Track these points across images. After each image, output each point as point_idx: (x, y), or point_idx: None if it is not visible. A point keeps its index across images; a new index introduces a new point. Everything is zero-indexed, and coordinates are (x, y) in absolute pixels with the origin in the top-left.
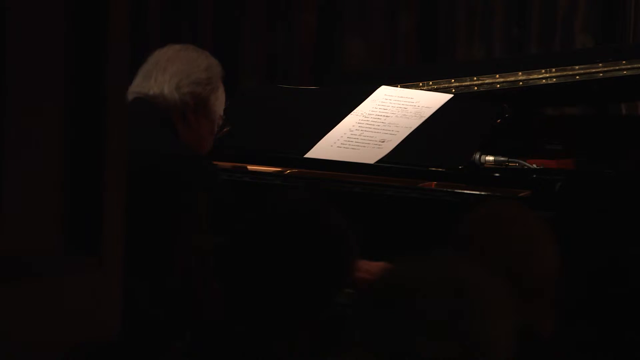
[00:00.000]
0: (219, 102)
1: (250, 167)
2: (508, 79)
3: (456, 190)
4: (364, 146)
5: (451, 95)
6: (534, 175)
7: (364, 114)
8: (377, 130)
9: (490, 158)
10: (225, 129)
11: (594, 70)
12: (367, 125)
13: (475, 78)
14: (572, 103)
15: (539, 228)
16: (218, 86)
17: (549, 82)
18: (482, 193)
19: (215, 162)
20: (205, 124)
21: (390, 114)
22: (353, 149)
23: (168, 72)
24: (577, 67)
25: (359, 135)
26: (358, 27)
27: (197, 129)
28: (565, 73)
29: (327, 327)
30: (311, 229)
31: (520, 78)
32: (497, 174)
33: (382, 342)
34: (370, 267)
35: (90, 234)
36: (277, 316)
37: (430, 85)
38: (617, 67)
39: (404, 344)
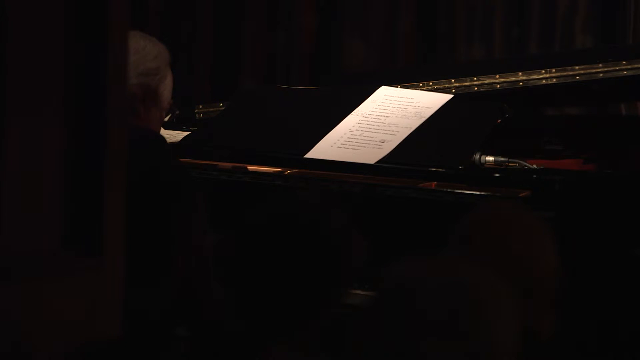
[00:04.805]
0: (167, 89)
1: (250, 167)
2: (508, 79)
3: (456, 191)
4: (364, 146)
5: (451, 96)
6: (534, 175)
7: (364, 114)
8: (377, 131)
9: (490, 158)
10: (175, 113)
11: (594, 70)
12: (367, 126)
13: (475, 78)
14: (572, 103)
15: (539, 228)
16: (166, 74)
17: (549, 82)
18: (482, 193)
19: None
20: (154, 112)
21: (390, 114)
22: (353, 149)
23: None
24: (577, 67)
25: (359, 135)
26: (358, 27)
27: (146, 118)
28: (565, 73)
29: (328, 327)
30: (312, 230)
31: (520, 78)
32: (497, 174)
33: (383, 344)
34: None
35: (90, 234)
36: (277, 317)
37: (430, 86)
38: (617, 67)
39: (405, 345)
